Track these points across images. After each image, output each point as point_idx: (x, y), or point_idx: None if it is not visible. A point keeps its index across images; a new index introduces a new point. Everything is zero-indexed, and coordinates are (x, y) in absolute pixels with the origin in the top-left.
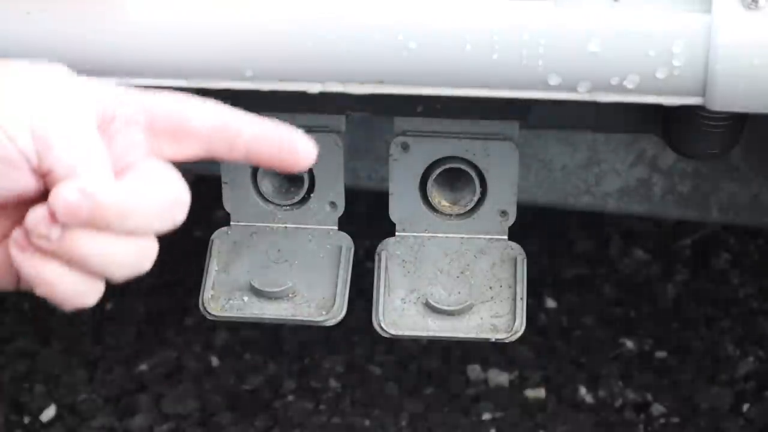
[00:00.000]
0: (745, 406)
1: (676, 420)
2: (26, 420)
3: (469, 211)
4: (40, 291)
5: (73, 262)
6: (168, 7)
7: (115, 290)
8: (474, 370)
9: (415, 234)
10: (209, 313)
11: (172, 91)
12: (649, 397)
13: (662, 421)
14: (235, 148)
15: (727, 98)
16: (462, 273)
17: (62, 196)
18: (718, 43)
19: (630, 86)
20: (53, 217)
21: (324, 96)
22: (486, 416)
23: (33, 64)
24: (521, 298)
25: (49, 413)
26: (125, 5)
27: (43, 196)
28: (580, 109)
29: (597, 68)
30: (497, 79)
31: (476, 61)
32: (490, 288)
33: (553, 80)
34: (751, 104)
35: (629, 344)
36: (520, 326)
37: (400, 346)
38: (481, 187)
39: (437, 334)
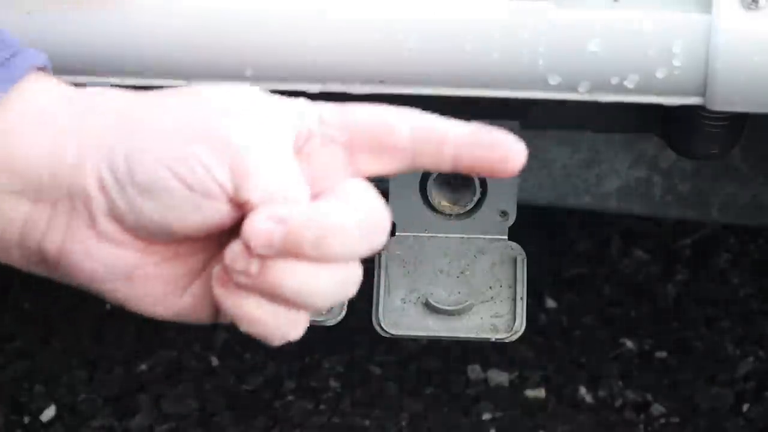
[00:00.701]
0: (745, 406)
1: (676, 420)
2: (26, 420)
3: (469, 211)
4: (243, 328)
5: (275, 296)
6: (168, 7)
7: None
8: (474, 370)
9: (415, 234)
10: None
11: (365, 103)
12: (649, 397)
13: (662, 421)
14: (441, 157)
15: (727, 98)
16: (462, 273)
17: (253, 225)
18: (718, 43)
19: (630, 86)
20: (249, 249)
21: (324, 96)
22: (486, 416)
23: (224, 88)
24: (521, 298)
25: (49, 413)
26: (125, 5)
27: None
28: (580, 109)
29: (597, 68)
30: (497, 79)
31: (476, 61)
32: (490, 288)
33: (553, 80)
34: (751, 104)
35: (629, 344)
36: (520, 326)
37: (400, 346)
38: (481, 187)
39: (437, 334)
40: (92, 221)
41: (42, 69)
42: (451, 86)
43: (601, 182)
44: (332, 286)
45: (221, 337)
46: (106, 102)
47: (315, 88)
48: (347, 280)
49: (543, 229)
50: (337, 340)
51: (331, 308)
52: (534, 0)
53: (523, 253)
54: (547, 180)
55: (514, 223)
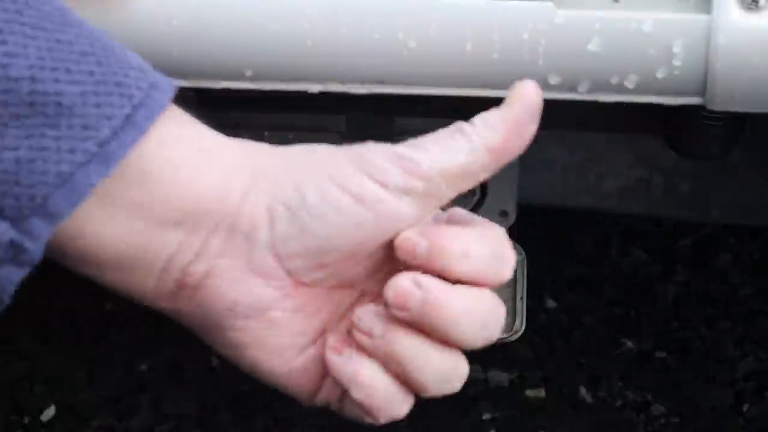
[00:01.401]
0: (745, 406)
1: (676, 420)
2: (26, 420)
3: (469, 211)
4: (355, 393)
5: (390, 363)
6: (167, 7)
7: None
8: (474, 370)
9: None
10: None
11: None
12: (649, 397)
13: (662, 421)
14: None
15: (727, 98)
16: None
17: (397, 283)
18: (718, 43)
19: (630, 86)
20: (382, 309)
21: (324, 96)
22: (486, 416)
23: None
24: (521, 298)
25: (49, 413)
26: (125, 4)
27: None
28: (580, 109)
29: (597, 68)
30: (497, 79)
31: (476, 61)
32: None
33: (553, 80)
34: (751, 104)
35: (629, 344)
36: (520, 326)
37: None
38: (480, 187)
39: None
40: (251, 252)
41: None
42: (451, 86)
43: (601, 182)
44: (444, 369)
45: None
46: (263, 145)
47: (315, 88)
48: (457, 369)
49: (543, 229)
50: None
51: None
52: (534, 0)
53: (523, 253)
54: (547, 180)
55: (514, 223)
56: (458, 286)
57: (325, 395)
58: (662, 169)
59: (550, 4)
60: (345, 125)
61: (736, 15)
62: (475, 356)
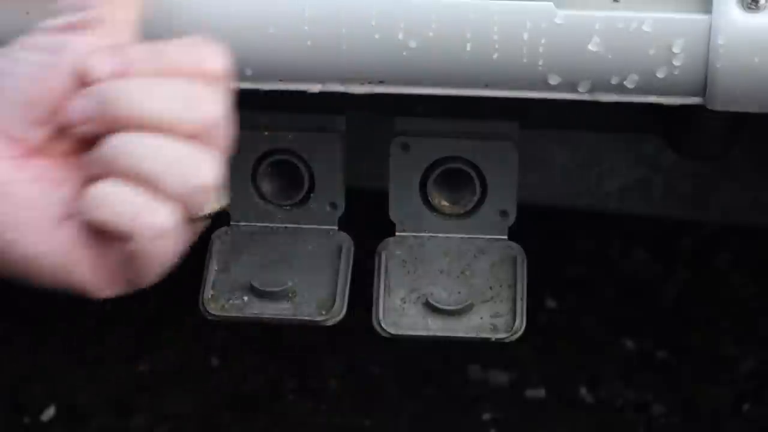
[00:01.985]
0: (745, 406)
1: (676, 420)
2: (26, 420)
3: (469, 211)
4: (101, 213)
5: (120, 169)
6: (166, 7)
7: None
8: (474, 370)
9: (415, 234)
10: (209, 313)
11: None
12: (649, 397)
13: (662, 421)
14: None
15: (727, 98)
16: (462, 273)
17: (72, 103)
18: (718, 43)
19: (630, 86)
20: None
21: (324, 96)
22: (486, 416)
23: None
24: (521, 298)
25: (49, 413)
26: None
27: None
28: (580, 109)
29: (597, 68)
30: (497, 79)
31: (476, 61)
32: (490, 288)
33: (553, 80)
34: (751, 104)
35: (629, 344)
36: (520, 326)
37: (400, 346)
38: (481, 187)
39: (437, 334)
40: None
41: None
42: (451, 86)
43: (601, 182)
44: (174, 157)
45: (221, 337)
46: None
47: (315, 88)
48: (194, 157)
49: (543, 229)
50: (337, 340)
51: (332, 308)
52: (534, 0)
53: (523, 253)
54: (547, 180)
55: (514, 223)
56: (136, 78)
57: (108, 267)
58: (662, 169)
59: (550, 4)
60: (345, 125)
61: (736, 15)
62: (475, 356)
